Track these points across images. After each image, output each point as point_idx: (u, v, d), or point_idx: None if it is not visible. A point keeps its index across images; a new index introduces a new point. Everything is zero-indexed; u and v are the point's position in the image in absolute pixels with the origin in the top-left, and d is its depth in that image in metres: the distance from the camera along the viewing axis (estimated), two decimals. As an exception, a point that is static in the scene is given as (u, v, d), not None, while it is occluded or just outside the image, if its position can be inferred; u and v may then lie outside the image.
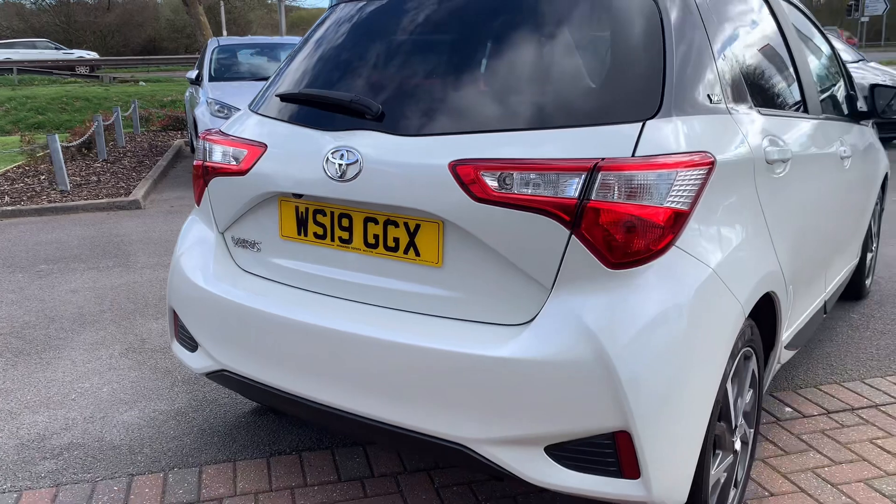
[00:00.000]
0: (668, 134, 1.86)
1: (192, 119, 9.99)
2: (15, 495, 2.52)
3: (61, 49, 33.86)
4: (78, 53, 33.59)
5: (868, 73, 9.79)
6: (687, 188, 1.83)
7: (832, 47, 3.72)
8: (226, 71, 9.95)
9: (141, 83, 23.76)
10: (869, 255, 4.28)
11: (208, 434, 2.92)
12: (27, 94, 18.57)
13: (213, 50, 10.20)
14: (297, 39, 11.49)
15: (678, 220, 1.82)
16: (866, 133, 3.82)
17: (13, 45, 33.49)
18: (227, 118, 8.08)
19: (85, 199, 7.73)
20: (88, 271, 5.27)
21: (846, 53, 10.50)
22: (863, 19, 38.76)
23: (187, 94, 11.63)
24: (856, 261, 3.87)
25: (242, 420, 3.02)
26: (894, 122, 3.93)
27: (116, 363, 3.62)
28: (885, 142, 9.62)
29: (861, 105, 3.69)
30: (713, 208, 1.94)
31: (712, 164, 1.90)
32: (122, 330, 4.06)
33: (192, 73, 10.24)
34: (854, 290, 4.20)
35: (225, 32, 30.97)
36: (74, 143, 10.20)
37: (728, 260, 1.94)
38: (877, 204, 4.20)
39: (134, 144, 12.22)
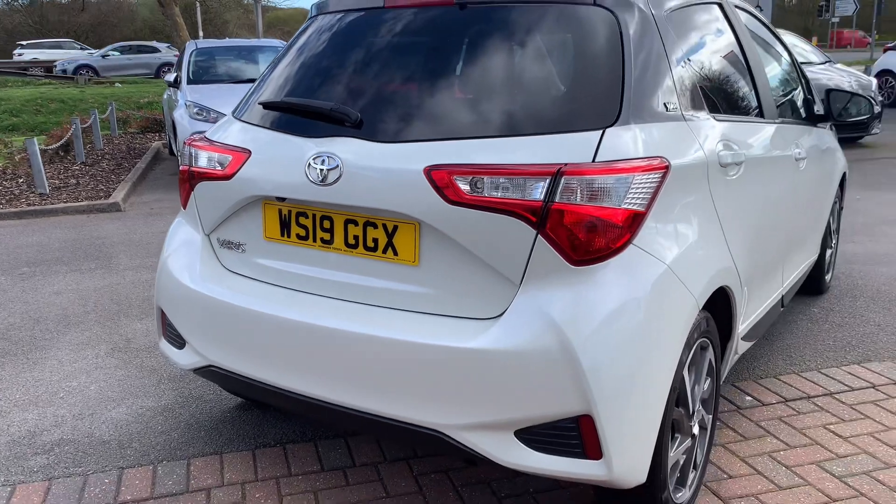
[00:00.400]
0: (627, 140, 2.01)
1: (170, 121, 10.02)
2: (9, 489, 2.62)
3: (86, 49, 33.75)
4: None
5: (834, 74, 10.07)
6: (643, 191, 1.98)
7: (790, 54, 3.90)
8: (204, 73, 9.99)
9: (116, 84, 23.62)
10: (828, 252, 4.44)
11: (195, 429, 3.03)
12: (1, 96, 18.40)
13: (191, 53, 10.24)
14: (275, 41, 11.54)
15: (635, 220, 1.97)
16: (824, 135, 4.00)
17: (40, 46, 33.38)
18: (206, 121, 8.15)
19: (64, 202, 7.75)
20: (71, 273, 5.33)
21: (814, 55, 10.78)
22: (833, 20, 39.44)
23: (165, 96, 11.65)
24: (814, 257, 4.05)
25: (228, 415, 3.13)
26: (852, 124, 4.12)
27: (103, 362, 3.71)
28: (850, 141, 9.91)
29: (818, 108, 3.87)
30: (669, 209, 2.09)
31: (667, 168, 2.05)
32: (106, 330, 4.15)
33: (171, 76, 10.27)
34: (814, 285, 4.38)
35: (201, 33, 30.83)
36: (52, 145, 10.19)
37: (682, 257, 2.10)
38: (835, 202, 4.39)
39: (112, 147, 12.20)
